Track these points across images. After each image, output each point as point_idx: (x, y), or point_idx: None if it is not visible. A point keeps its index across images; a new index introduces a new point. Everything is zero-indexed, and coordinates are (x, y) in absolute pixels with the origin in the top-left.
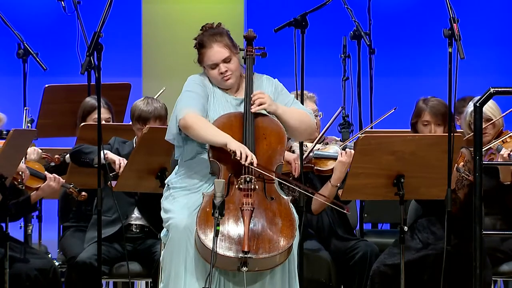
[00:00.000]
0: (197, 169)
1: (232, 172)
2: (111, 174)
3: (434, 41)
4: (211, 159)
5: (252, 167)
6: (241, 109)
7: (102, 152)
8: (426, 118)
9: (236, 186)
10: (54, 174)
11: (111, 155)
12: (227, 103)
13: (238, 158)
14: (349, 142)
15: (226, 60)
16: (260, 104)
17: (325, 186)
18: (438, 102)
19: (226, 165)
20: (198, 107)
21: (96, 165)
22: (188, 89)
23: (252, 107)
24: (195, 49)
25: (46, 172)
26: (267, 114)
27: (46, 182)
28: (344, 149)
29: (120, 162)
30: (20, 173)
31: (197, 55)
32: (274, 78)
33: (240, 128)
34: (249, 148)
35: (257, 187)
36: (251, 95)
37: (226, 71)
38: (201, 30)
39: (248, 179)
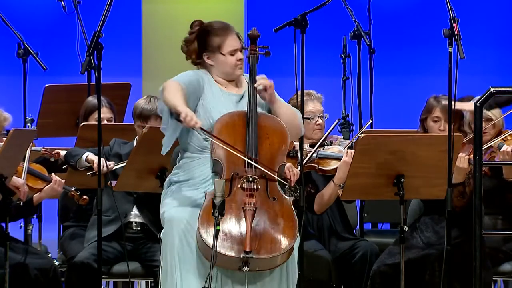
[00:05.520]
0: (199, 168)
1: (235, 171)
2: (89, 173)
3: (434, 41)
4: (214, 158)
5: (255, 164)
6: (241, 105)
7: (102, 151)
8: (437, 114)
9: (239, 186)
10: (58, 178)
11: (91, 156)
12: (226, 100)
13: (182, 120)
14: (354, 141)
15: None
16: (265, 85)
17: (328, 186)
18: None
19: (229, 164)
20: (182, 81)
21: (81, 169)
22: (179, 75)
23: (258, 84)
24: (200, 39)
25: (52, 175)
26: (268, 114)
27: (50, 184)
28: (350, 148)
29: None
30: (24, 186)
31: (208, 42)
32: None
33: (243, 127)
34: (252, 147)
35: (259, 187)
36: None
37: (241, 59)
38: (198, 26)
39: (251, 178)
